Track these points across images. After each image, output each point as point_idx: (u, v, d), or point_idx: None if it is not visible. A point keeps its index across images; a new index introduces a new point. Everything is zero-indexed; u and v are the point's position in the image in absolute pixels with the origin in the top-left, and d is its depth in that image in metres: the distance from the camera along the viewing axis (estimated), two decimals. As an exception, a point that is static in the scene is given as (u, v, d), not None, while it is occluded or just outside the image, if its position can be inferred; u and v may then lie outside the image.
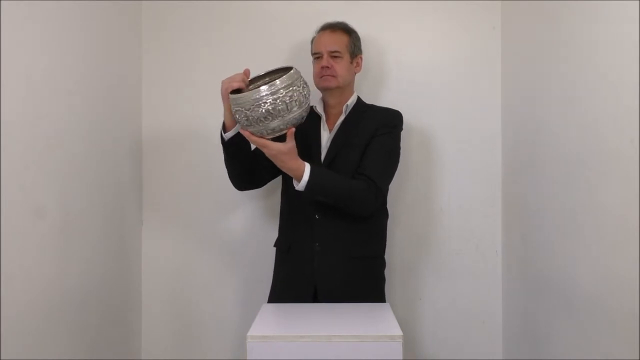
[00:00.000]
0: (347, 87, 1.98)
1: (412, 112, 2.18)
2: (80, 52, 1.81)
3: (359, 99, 2.01)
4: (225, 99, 1.72)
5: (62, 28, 1.71)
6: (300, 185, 1.74)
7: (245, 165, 1.89)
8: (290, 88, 1.62)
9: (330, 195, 1.80)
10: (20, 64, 1.48)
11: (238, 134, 1.76)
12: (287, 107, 1.62)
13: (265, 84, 1.65)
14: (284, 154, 1.70)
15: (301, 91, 1.65)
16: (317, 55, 1.96)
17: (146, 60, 2.31)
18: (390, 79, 2.29)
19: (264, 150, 1.70)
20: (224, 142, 1.81)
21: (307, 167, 1.73)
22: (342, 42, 1.94)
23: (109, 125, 2.03)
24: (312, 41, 2.01)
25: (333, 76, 1.91)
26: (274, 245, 2.03)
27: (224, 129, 1.79)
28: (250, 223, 2.31)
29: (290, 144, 1.70)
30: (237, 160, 1.86)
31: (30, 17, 1.54)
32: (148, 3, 2.30)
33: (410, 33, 2.30)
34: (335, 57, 1.92)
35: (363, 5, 2.26)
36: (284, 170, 1.75)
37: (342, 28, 1.97)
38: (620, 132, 1.42)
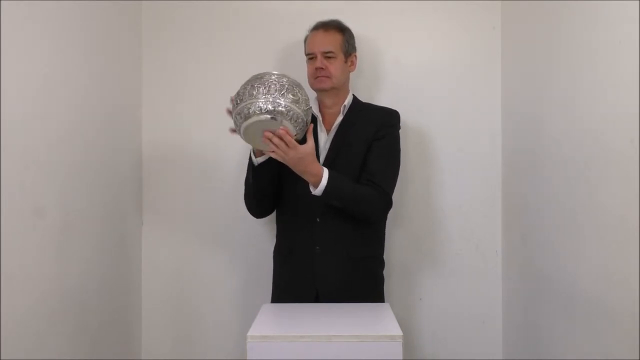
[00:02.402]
0: (342, 87, 1.96)
1: (412, 112, 2.18)
2: (80, 52, 1.81)
3: (354, 97, 2.01)
4: None
5: (62, 28, 1.71)
6: (318, 190, 1.72)
7: (270, 189, 1.89)
8: (250, 84, 1.60)
9: (345, 200, 1.78)
10: (20, 64, 1.48)
11: (269, 159, 1.75)
12: (243, 95, 1.59)
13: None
14: (309, 154, 1.67)
15: (253, 92, 1.58)
16: (310, 56, 1.94)
17: (146, 60, 2.31)
18: (390, 79, 2.28)
19: (290, 154, 1.63)
20: (254, 167, 1.81)
21: (326, 171, 1.72)
22: (335, 41, 1.92)
23: (108, 125, 2.02)
24: (305, 40, 1.99)
25: (327, 77, 1.89)
26: (273, 252, 2.03)
27: (254, 153, 1.79)
28: (251, 222, 2.30)
29: (311, 142, 1.67)
30: (263, 184, 1.86)
31: (30, 17, 1.54)
32: (148, 3, 2.30)
33: (410, 33, 2.30)
34: (329, 57, 1.90)
35: (362, 4, 2.26)
36: (304, 174, 1.71)
37: (336, 26, 1.95)
38: (620, 132, 1.42)
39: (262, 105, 1.57)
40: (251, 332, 1.43)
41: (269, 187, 1.89)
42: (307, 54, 1.96)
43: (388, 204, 1.88)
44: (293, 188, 1.85)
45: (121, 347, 2.14)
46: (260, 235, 2.27)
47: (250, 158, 1.83)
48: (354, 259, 1.88)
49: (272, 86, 1.58)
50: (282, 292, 1.95)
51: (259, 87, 1.59)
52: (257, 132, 1.62)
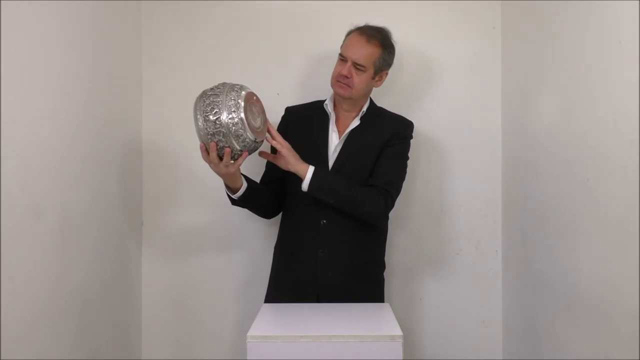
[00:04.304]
0: (361, 98, 1.93)
1: (411, 113, 2.17)
2: (80, 52, 1.81)
3: (371, 102, 1.98)
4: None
5: (62, 28, 1.70)
6: (304, 185, 1.76)
7: (260, 207, 1.98)
8: (209, 99, 1.68)
9: (335, 196, 1.79)
10: (20, 64, 1.48)
11: (245, 192, 1.81)
12: (216, 103, 1.67)
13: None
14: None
15: (220, 98, 1.67)
16: (342, 58, 1.88)
17: (146, 60, 2.31)
18: (390, 79, 2.26)
19: (287, 147, 1.75)
20: (236, 201, 1.85)
21: (311, 167, 1.76)
22: (371, 56, 1.86)
23: (109, 125, 2.02)
24: (347, 35, 1.93)
25: (348, 86, 1.86)
26: (274, 249, 2.03)
27: (230, 190, 1.82)
28: (251, 222, 2.30)
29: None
30: (253, 206, 1.95)
31: (31, 18, 1.54)
32: (148, 3, 2.30)
33: (410, 33, 2.29)
34: (359, 69, 1.85)
35: (362, 5, 2.26)
36: (295, 169, 1.77)
37: (379, 40, 1.88)
38: (620, 133, 1.42)
39: (235, 91, 1.67)
40: (251, 332, 1.43)
41: (259, 205, 1.96)
42: (340, 53, 1.90)
43: (388, 205, 1.87)
44: (299, 190, 1.86)
45: (121, 347, 2.14)
46: (261, 234, 2.27)
47: (228, 196, 1.86)
48: (356, 264, 1.89)
49: (219, 89, 1.70)
50: (282, 293, 1.94)
51: (219, 90, 1.69)
52: (252, 113, 1.69)
